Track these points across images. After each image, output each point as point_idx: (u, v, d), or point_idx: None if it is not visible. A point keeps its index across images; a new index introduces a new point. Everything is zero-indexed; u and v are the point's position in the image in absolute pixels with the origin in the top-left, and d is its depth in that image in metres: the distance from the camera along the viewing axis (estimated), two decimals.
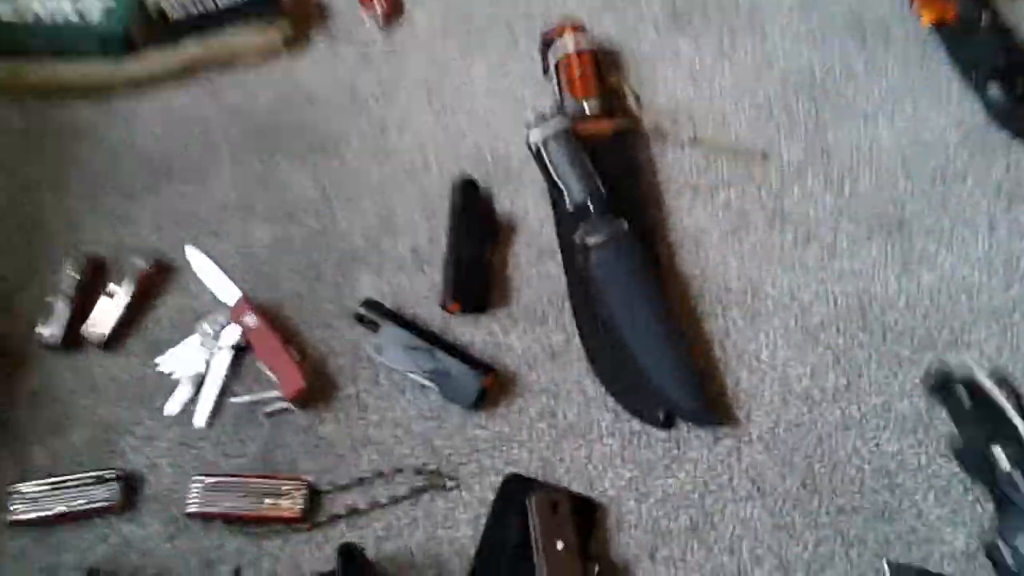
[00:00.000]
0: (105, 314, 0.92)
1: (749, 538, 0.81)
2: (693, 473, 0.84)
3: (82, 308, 0.92)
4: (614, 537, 0.81)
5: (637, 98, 1.03)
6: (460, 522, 0.82)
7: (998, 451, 0.78)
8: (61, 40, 1.06)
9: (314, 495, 0.83)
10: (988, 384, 0.82)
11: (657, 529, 0.81)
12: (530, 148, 0.97)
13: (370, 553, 0.80)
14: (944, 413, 0.84)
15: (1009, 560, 0.75)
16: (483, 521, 0.82)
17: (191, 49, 1.08)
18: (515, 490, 0.82)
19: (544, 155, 0.95)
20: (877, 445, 0.84)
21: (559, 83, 1.01)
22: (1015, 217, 0.95)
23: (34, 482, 0.83)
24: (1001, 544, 0.76)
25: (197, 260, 0.95)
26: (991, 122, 1.01)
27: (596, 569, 0.78)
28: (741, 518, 0.82)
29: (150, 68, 1.08)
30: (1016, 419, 0.79)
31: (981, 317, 0.89)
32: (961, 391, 0.82)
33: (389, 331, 0.88)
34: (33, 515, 0.81)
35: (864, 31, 1.08)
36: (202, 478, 0.82)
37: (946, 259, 0.93)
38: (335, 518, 0.82)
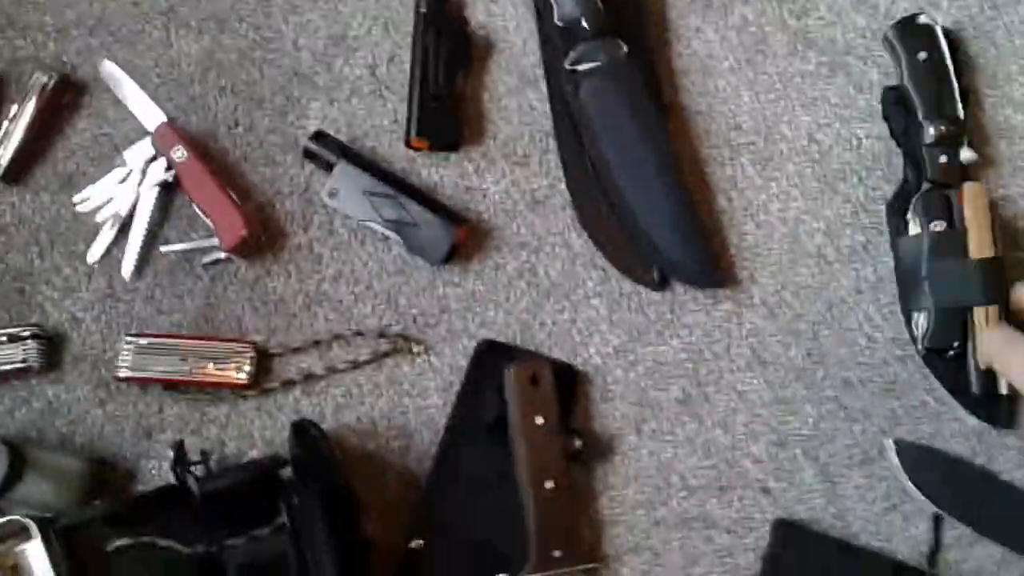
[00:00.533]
0: (4, 139, 0.85)
1: (745, 411, 0.81)
2: (688, 340, 0.83)
3: None
4: (598, 409, 0.81)
5: None
6: (429, 390, 0.81)
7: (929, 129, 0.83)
8: None
9: (263, 358, 0.81)
10: (945, 50, 0.86)
11: (646, 400, 0.82)
12: None
13: (327, 423, 0.79)
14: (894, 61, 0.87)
15: (913, 228, 0.83)
16: (454, 389, 0.81)
17: None
18: (490, 358, 0.81)
19: None
20: (892, 312, 0.83)
21: None
22: None
23: None
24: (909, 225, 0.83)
25: (114, 76, 0.88)
26: None
27: (578, 444, 0.78)
28: (738, 390, 0.82)
29: None
30: (957, 93, 0.84)
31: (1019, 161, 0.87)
32: (919, 47, 0.86)
33: (345, 172, 0.83)
34: None
35: None
36: (134, 338, 0.79)
37: (991, 97, 0.88)
38: (287, 383, 0.81)
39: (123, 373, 0.79)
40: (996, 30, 0.90)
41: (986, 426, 0.80)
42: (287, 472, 0.74)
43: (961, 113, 0.85)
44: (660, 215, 0.83)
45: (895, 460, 0.78)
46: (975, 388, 0.79)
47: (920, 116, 0.84)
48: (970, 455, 0.80)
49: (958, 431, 0.81)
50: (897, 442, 0.79)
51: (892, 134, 0.87)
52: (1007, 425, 0.80)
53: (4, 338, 0.80)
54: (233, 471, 0.74)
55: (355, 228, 0.85)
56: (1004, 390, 0.79)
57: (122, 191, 0.85)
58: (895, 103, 0.87)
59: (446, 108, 0.87)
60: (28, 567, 0.71)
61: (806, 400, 0.82)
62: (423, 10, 0.88)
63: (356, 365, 0.82)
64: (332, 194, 0.83)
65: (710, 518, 0.79)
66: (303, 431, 0.73)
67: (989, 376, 0.79)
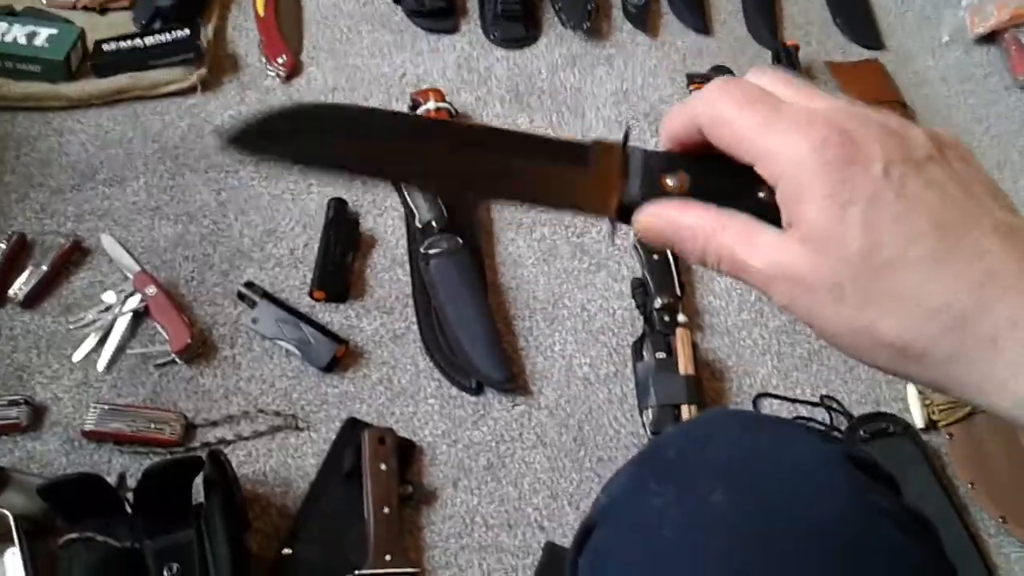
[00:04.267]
0: (27, 280, 1.13)
1: (530, 476, 1.07)
2: (493, 428, 1.10)
3: (7, 274, 1.13)
4: (427, 470, 1.06)
5: None
6: (307, 455, 1.05)
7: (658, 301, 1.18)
8: (9, 61, 1.29)
9: (190, 428, 1.05)
10: (669, 254, 1.21)
11: (461, 466, 1.07)
12: None
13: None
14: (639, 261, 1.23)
15: (646, 357, 1.14)
16: (324, 454, 1.05)
17: (120, 79, 1.32)
18: (352, 430, 1.06)
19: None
20: (631, 416, 1.12)
21: None
22: None
23: None
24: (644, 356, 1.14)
25: (111, 245, 1.18)
26: None
27: (409, 489, 1.02)
28: (526, 461, 1.08)
29: (84, 91, 1.31)
30: (675, 280, 1.20)
31: (710, 325, 1.21)
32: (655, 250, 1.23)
33: (264, 306, 1.13)
34: None
35: (659, 121, 1.42)
36: (99, 404, 1.03)
37: (699, 287, 1.24)
38: (206, 445, 1.04)
39: (88, 427, 1.02)
40: None
41: None
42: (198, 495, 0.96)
43: (678, 292, 1.19)
44: (478, 345, 1.13)
45: None
46: None
47: (653, 292, 1.19)
48: None
49: None
50: None
51: (636, 305, 1.21)
52: None
53: (5, 402, 1.03)
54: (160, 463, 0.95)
55: (268, 347, 1.12)
56: None
57: (105, 314, 1.12)
58: (638, 287, 1.22)
59: (339, 274, 1.18)
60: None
61: (572, 469, 1.08)
62: (330, 215, 1.23)
63: (257, 435, 1.06)
64: (255, 321, 1.12)
65: (502, 546, 1.02)
66: (215, 457, 0.96)
67: None
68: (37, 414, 1.04)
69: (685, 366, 1.11)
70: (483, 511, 1.04)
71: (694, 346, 1.15)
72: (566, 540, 1.03)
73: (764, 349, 1.20)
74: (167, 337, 1.10)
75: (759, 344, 1.21)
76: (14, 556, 0.91)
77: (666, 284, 1.20)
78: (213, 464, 0.95)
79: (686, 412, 1.08)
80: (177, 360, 1.09)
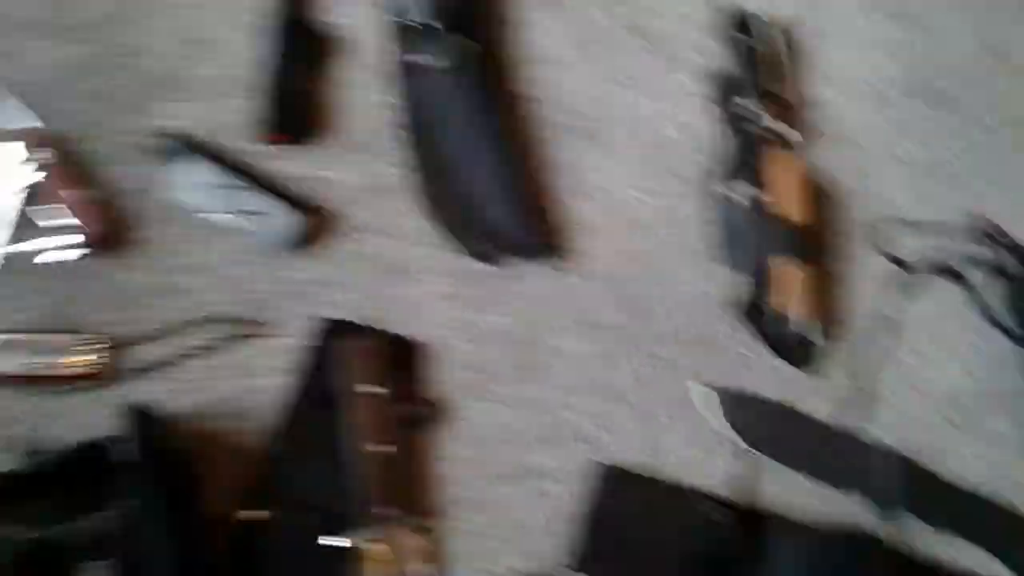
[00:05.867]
0: None
1: (579, 374, 0.77)
2: (526, 310, 0.79)
3: None
4: (442, 378, 0.77)
5: None
6: (276, 373, 0.77)
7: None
8: None
9: (115, 349, 0.77)
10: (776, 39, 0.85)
11: (485, 369, 0.77)
12: None
13: (183, 408, 0.75)
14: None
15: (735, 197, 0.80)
16: (298, 376, 0.77)
17: None
18: (332, 336, 0.76)
19: None
20: (710, 272, 0.80)
21: None
22: None
23: None
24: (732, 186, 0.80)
25: None
26: None
27: (416, 413, 0.74)
28: (574, 354, 0.78)
29: None
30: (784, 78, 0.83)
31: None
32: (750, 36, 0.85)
33: (188, 164, 0.79)
34: None
35: None
36: None
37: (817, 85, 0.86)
38: (139, 372, 0.76)
39: None
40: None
41: (792, 371, 0.78)
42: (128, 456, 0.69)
43: (786, 95, 0.82)
44: (498, 196, 0.81)
45: (699, 402, 0.76)
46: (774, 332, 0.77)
47: (748, 98, 0.82)
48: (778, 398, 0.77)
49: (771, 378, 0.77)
50: (706, 385, 0.75)
51: (721, 115, 0.84)
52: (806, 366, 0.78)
53: None
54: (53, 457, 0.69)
55: (209, 221, 0.80)
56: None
57: None
58: (726, 87, 0.84)
59: (298, 103, 0.83)
60: None
61: (632, 356, 0.78)
62: (278, 12, 0.85)
63: (205, 351, 0.77)
64: (177, 188, 0.79)
65: (543, 470, 0.75)
66: (138, 414, 0.68)
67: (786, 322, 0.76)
68: None
69: (790, 209, 0.76)
70: (516, 427, 0.76)
71: (807, 177, 0.79)
72: (626, 456, 0.75)
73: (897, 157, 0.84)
74: (70, 222, 0.78)
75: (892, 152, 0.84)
76: None
77: (769, 82, 0.82)
78: (138, 424, 0.68)
79: (784, 272, 0.75)
80: (89, 253, 0.79)
